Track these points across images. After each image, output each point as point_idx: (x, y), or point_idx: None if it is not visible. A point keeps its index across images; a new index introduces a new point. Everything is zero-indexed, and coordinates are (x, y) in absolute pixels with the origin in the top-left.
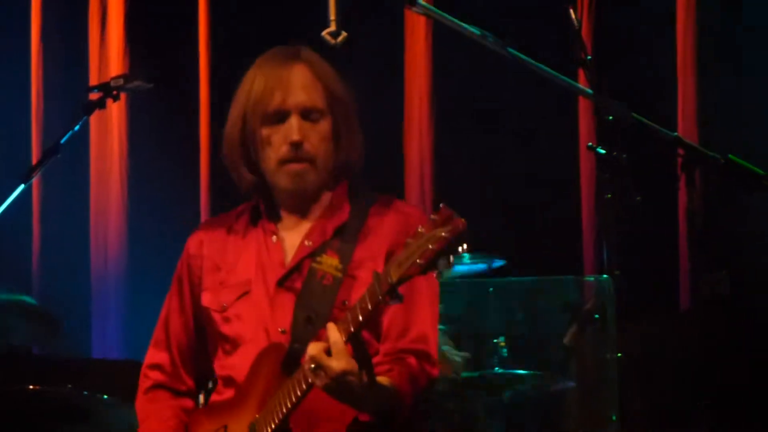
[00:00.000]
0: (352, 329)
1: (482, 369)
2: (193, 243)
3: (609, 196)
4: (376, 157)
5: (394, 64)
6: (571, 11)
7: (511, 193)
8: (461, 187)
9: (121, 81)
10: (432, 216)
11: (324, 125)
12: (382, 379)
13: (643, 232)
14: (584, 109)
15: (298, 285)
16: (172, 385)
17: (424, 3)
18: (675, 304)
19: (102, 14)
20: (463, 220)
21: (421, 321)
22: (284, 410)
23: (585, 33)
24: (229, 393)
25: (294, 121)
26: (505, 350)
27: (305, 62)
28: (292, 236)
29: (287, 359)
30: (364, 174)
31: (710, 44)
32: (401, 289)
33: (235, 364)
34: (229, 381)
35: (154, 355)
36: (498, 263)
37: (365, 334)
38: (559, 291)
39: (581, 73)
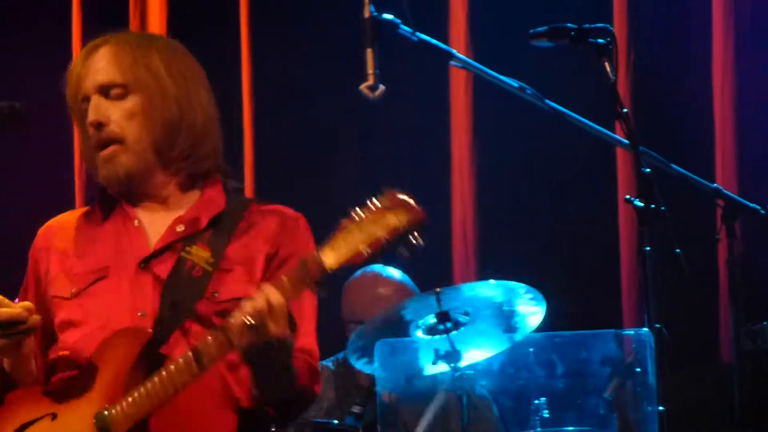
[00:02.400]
0: (275, 300)
1: (524, 429)
2: (41, 235)
3: (648, 248)
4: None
5: (437, 118)
6: (607, 64)
7: (550, 245)
8: (501, 241)
9: None
10: (375, 200)
11: (129, 102)
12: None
13: (683, 284)
14: (622, 161)
15: (162, 271)
16: None
17: (462, 57)
18: (716, 356)
19: (142, 9)
20: (421, 210)
21: (309, 333)
22: (155, 401)
23: (621, 84)
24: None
25: (92, 101)
26: (546, 411)
27: (110, 43)
28: (156, 222)
29: (149, 346)
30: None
31: (749, 92)
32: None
33: (76, 343)
34: (66, 363)
35: None
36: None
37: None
38: (598, 345)
39: (618, 125)
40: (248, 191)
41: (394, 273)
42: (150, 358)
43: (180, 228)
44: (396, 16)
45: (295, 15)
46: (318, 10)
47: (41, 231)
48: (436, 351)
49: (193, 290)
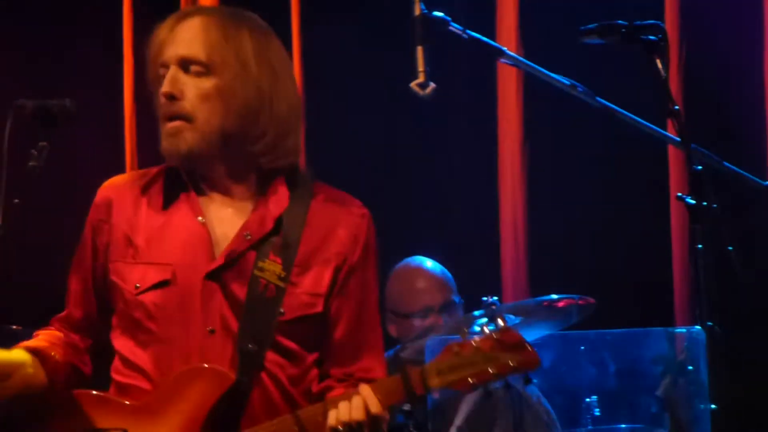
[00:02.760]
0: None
1: (575, 427)
2: (100, 204)
3: (700, 246)
4: (472, 208)
5: (487, 115)
6: (658, 61)
7: (602, 243)
8: (553, 238)
9: None
10: (492, 333)
11: (208, 82)
12: None
13: (735, 281)
14: (674, 159)
15: (231, 285)
16: (68, 335)
17: (513, 54)
18: None
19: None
20: (537, 356)
21: (374, 349)
22: None
23: (673, 81)
24: (135, 387)
25: (170, 72)
26: (597, 410)
27: (202, 15)
28: (223, 221)
29: (231, 392)
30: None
31: None
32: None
33: (151, 361)
34: (139, 374)
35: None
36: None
37: (293, 344)
38: (650, 343)
39: (670, 123)
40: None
41: (434, 267)
42: (231, 403)
43: (248, 236)
44: (446, 14)
45: (345, 11)
46: (368, 7)
47: (99, 199)
48: None
49: (268, 319)
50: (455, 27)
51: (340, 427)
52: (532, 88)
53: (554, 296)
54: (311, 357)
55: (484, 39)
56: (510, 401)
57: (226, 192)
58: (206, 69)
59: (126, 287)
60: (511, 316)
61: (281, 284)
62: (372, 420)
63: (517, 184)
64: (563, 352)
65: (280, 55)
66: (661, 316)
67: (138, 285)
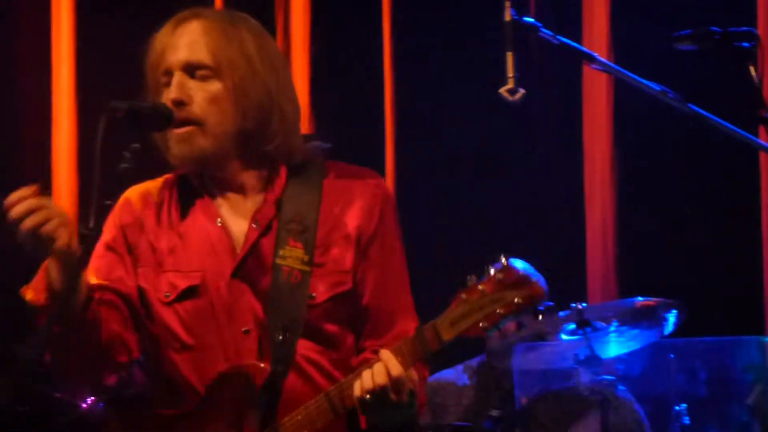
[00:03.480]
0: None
1: None
2: (125, 209)
3: None
4: (555, 218)
5: (574, 121)
6: (752, 68)
7: (692, 251)
8: (641, 244)
9: None
10: (496, 273)
11: (215, 84)
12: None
13: None
14: (766, 166)
15: (257, 279)
16: None
17: (603, 60)
18: None
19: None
20: (542, 288)
21: (404, 314)
22: None
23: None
24: (179, 396)
25: (175, 78)
26: (687, 418)
27: (201, 18)
28: (236, 217)
29: (268, 386)
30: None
31: None
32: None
33: (191, 370)
34: (180, 390)
35: None
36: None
37: (330, 326)
38: (741, 351)
39: (762, 130)
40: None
41: (523, 267)
42: (271, 393)
43: (255, 225)
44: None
45: (436, 17)
46: (458, 13)
47: (123, 204)
48: (576, 355)
49: (297, 303)
50: (546, 33)
51: (367, 396)
52: (621, 92)
53: (652, 301)
54: (351, 337)
55: (575, 45)
56: (598, 404)
57: (239, 190)
58: (213, 72)
59: (157, 295)
60: (602, 323)
61: (306, 268)
62: (394, 382)
63: (606, 189)
64: (653, 360)
65: (279, 54)
66: (752, 325)
67: (168, 294)
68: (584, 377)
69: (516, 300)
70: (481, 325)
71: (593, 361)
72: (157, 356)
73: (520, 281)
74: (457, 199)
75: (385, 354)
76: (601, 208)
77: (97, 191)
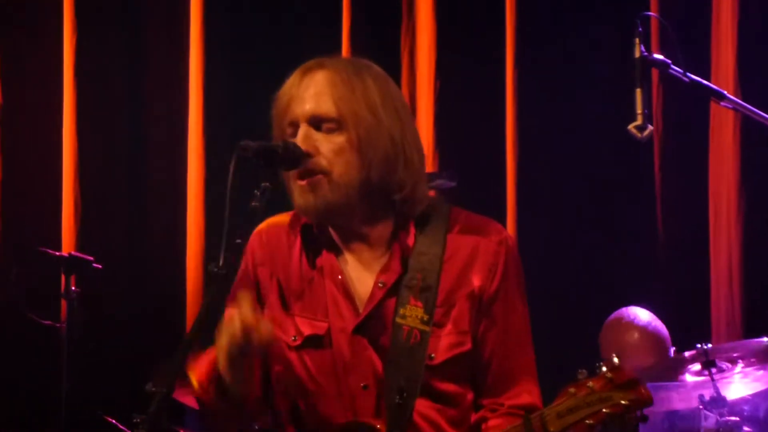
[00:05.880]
0: None
1: None
2: (257, 242)
3: None
4: (680, 257)
5: (700, 160)
6: None
7: None
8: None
9: None
10: (606, 372)
11: (340, 136)
12: None
13: None
14: None
15: (377, 335)
16: None
17: (732, 97)
18: None
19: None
20: (650, 393)
21: (524, 374)
22: None
23: None
24: None
25: (301, 130)
26: None
27: (326, 69)
28: (359, 272)
29: None
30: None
31: None
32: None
33: (309, 419)
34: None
35: None
36: None
37: (449, 386)
38: None
39: None
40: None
41: (644, 317)
42: None
43: (381, 284)
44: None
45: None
46: (583, 47)
47: (257, 238)
48: (701, 396)
49: (415, 364)
50: (676, 70)
51: None
52: (749, 130)
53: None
54: (470, 395)
55: (705, 83)
56: None
57: (364, 242)
58: (338, 124)
59: (284, 338)
60: (727, 364)
61: (425, 328)
62: None
63: (732, 228)
64: None
65: (402, 101)
66: None
67: (295, 338)
68: (709, 419)
69: (623, 402)
70: (587, 421)
71: (718, 402)
72: (278, 396)
73: (630, 383)
74: (577, 237)
75: None
76: (727, 246)
77: (227, 231)
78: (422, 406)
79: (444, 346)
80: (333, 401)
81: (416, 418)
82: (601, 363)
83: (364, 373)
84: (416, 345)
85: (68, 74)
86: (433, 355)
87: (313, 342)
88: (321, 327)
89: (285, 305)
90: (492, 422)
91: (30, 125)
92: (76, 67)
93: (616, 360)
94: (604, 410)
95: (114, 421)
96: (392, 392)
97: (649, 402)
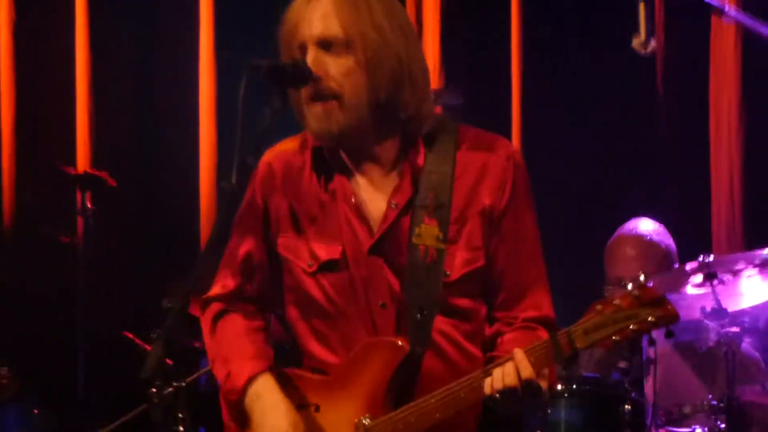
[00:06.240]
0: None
1: None
2: (265, 173)
3: None
4: (680, 169)
5: (701, 74)
6: None
7: None
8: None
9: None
10: (633, 290)
11: (349, 58)
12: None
13: None
14: None
15: (393, 255)
16: (240, 308)
17: (734, 12)
18: None
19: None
20: (676, 310)
21: (536, 286)
22: (425, 424)
23: None
24: (317, 365)
25: (310, 53)
26: None
27: None
28: (371, 193)
29: (406, 364)
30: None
31: None
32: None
33: (329, 339)
34: (319, 356)
35: (217, 287)
36: None
37: (464, 302)
38: None
39: None
40: None
41: (647, 230)
42: (407, 374)
43: (394, 205)
44: None
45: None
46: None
47: (265, 170)
48: (703, 308)
49: (433, 283)
50: None
51: (497, 395)
52: (750, 44)
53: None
54: (484, 309)
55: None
56: (724, 357)
57: (375, 162)
58: (346, 46)
59: (299, 263)
60: (728, 276)
61: (441, 245)
62: (524, 384)
63: (732, 140)
64: None
65: (408, 22)
66: None
67: (311, 263)
68: (711, 330)
69: (650, 318)
70: (613, 337)
71: (720, 313)
72: (297, 319)
73: (656, 301)
74: (582, 151)
75: (518, 354)
76: (728, 158)
77: (240, 146)
78: (439, 322)
79: (459, 262)
80: (353, 321)
81: (435, 335)
82: (628, 281)
83: (381, 292)
84: (432, 263)
85: None
86: (448, 272)
87: (329, 266)
88: (336, 251)
89: (299, 230)
90: (507, 336)
91: (43, 42)
92: None
93: (642, 278)
94: (631, 327)
95: (130, 335)
96: (413, 310)
97: (675, 319)
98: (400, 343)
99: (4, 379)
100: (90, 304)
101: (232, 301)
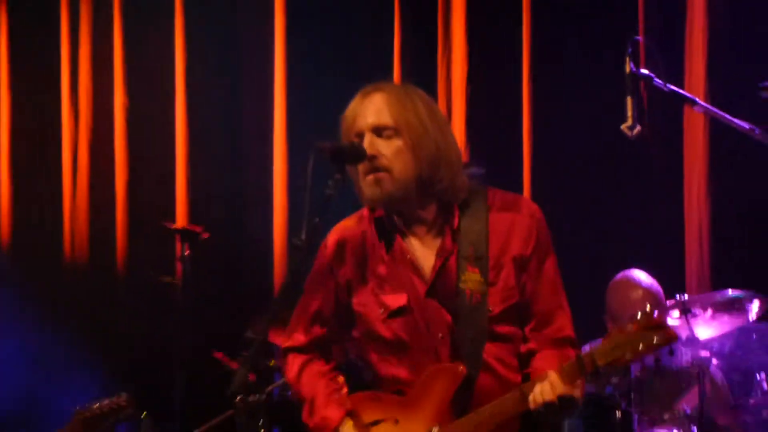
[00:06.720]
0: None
1: (748, 396)
2: (332, 250)
3: None
4: (659, 228)
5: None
6: None
7: None
8: (734, 243)
9: None
10: (640, 318)
11: (397, 141)
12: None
13: None
14: None
15: (443, 294)
16: (320, 359)
17: (703, 103)
18: None
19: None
20: (674, 333)
21: (559, 311)
22: (485, 429)
23: None
24: (395, 387)
25: (366, 138)
26: (766, 384)
27: (381, 91)
28: (421, 250)
29: (464, 383)
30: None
31: None
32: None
33: (402, 367)
34: (395, 381)
35: (295, 339)
36: None
37: (506, 329)
38: None
39: None
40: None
41: (645, 279)
42: (464, 392)
43: (439, 257)
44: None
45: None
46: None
47: (332, 243)
48: (679, 336)
49: (479, 319)
50: (658, 82)
51: (541, 408)
52: (716, 129)
53: (739, 293)
54: (520, 332)
55: (681, 92)
56: (696, 376)
57: (422, 224)
58: (395, 132)
59: (372, 314)
60: (699, 311)
61: (483, 288)
62: (560, 398)
63: (702, 206)
64: (739, 340)
65: (441, 115)
66: None
67: (382, 311)
68: (685, 354)
69: (655, 340)
70: (626, 356)
71: (693, 341)
72: (374, 355)
73: (659, 326)
74: (583, 204)
75: (552, 376)
76: (698, 220)
77: (308, 210)
78: (488, 347)
79: (498, 300)
80: (419, 351)
81: (486, 357)
82: (637, 313)
83: (439, 327)
84: (478, 303)
85: (179, 70)
86: (491, 309)
87: (398, 312)
88: (402, 299)
89: (369, 288)
90: (540, 353)
91: (148, 120)
92: (186, 68)
93: (648, 308)
94: (640, 348)
95: (220, 355)
96: (465, 341)
97: (674, 339)
98: (460, 368)
99: (124, 402)
100: (186, 331)
101: (311, 348)
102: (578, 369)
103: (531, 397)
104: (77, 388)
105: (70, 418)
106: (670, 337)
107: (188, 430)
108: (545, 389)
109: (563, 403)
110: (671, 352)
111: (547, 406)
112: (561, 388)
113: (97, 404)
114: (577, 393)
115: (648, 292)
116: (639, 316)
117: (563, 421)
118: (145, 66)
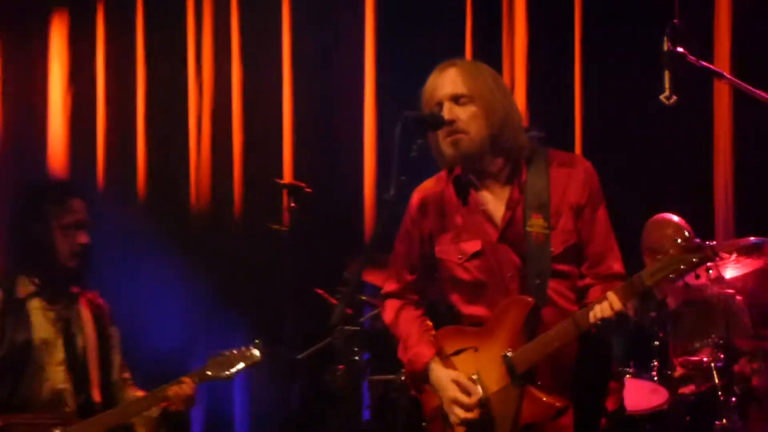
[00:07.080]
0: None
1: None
2: (416, 207)
3: None
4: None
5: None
6: None
7: None
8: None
9: None
10: (680, 241)
11: (472, 107)
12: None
13: None
14: None
15: (514, 241)
16: (412, 304)
17: (729, 76)
18: None
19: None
20: (712, 252)
21: (611, 252)
22: (548, 350)
23: None
24: (473, 320)
25: (445, 106)
26: None
27: (455, 66)
28: (493, 202)
29: (532, 311)
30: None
31: None
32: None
33: (480, 304)
34: (475, 317)
35: (390, 286)
36: None
37: (566, 267)
38: None
39: None
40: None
41: (678, 220)
42: (533, 320)
43: (510, 207)
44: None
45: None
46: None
47: (415, 204)
48: (708, 276)
49: (544, 257)
50: (692, 58)
51: (598, 322)
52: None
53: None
54: (577, 270)
55: (710, 66)
56: (722, 310)
57: (494, 178)
58: (469, 99)
59: (452, 259)
60: (725, 254)
61: (546, 231)
62: (616, 314)
63: (728, 162)
64: (759, 279)
65: (506, 87)
66: None
67: (461, 256)
68: (713, 289)
69: (694, 260)
70: (670, 276)
71: (720, 280)
72: (454, 295)
73: (697, 247)
74: (627, 163)
75: (610, 295)
76: (724, 177)
77: (396, 171)
78: (551, 282)
79: (559, 241)
80: (493, 289)
81: (549, 292)
82: (677, 237)
83: (509, 267)
84: (542, 243)
85: (286, 51)
86: (552, 249)
87: (474, 255)
88: (477, 245)
89: (449, 236)
90: (594, 288)
91: (260, 93)
92: (292, 48)
93: (686, 233)
94: (682, 267)
95: (321, 291)
96: (532, 277)
97: (711, 258)
98: (529, 299)
99: (255, 352)
100: (293, 271)
101: (404, 293)
102: (630, 289)
103: (591, 314)
104: (216, 331)
105: (204, 361)
106: (707, 256)
107: (295, 354)
108: (604, 307)
109: (618, 318)
110: (709, 270)
111: (604, 320)
112: (618, 305)
113: (229, 352)
114: (630, 312)
115: (681, 226)
116: (679, 240)
117: (614, 338)
118: (257, 47)
